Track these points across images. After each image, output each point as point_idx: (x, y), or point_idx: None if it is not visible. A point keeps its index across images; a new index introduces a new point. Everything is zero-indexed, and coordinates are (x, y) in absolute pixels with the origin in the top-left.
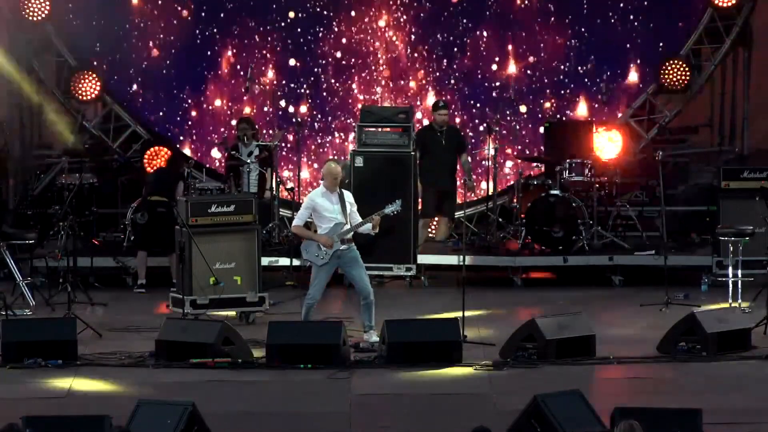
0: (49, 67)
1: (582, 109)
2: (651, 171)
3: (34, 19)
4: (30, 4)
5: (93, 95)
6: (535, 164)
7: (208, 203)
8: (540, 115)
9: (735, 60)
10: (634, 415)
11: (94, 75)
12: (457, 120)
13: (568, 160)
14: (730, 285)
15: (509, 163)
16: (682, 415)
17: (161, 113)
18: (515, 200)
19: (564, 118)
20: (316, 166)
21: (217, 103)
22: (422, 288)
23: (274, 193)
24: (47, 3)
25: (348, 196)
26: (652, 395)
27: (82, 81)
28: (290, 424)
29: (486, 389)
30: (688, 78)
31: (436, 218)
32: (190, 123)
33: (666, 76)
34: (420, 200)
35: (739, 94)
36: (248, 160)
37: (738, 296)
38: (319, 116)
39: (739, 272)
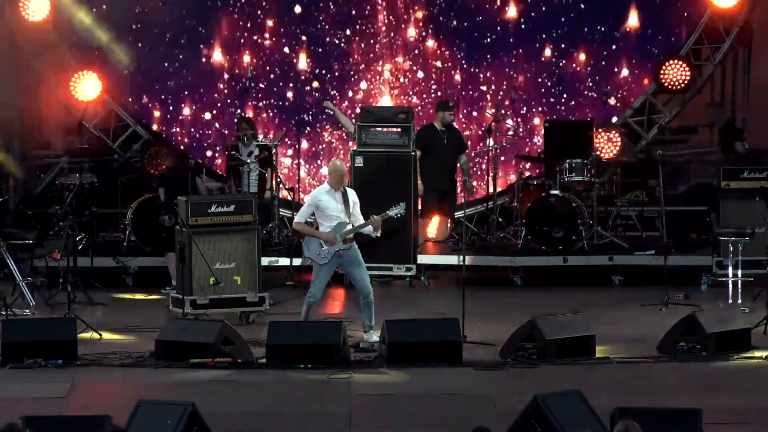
0: (49, 67)
1: (581, 57)
2: (651, 171)
3: (34, 19)
4: (30, 4)
5: (93, 95)
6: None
7: (208, 203)
8: (540, 65)
9: (735, 60)
10: (634, 415)
11: (94, 75)
12: (457, 77)
13: (568, 160)
14: (730, 285)
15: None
16: (682, 415)
17: (162, 67)
18: (515, 200)
19: (565, 118)
20: (309, 127)
21: (217, 57)
22: (422, 288)
23: (274, 193)
24: (47, 3)
25: (352, 194)
26: (652, 395)
27: (82, 81)
28: (290, 424)
29: (486, 389)
30: (688, 78)
31: (436, 218)
32: (188, 78)
33: (666, 76)
34: (420, 200)
35: (739, 94)
36: (248, 160)
37: (738, 296)
38: (321, 69)
39: (739, 272)
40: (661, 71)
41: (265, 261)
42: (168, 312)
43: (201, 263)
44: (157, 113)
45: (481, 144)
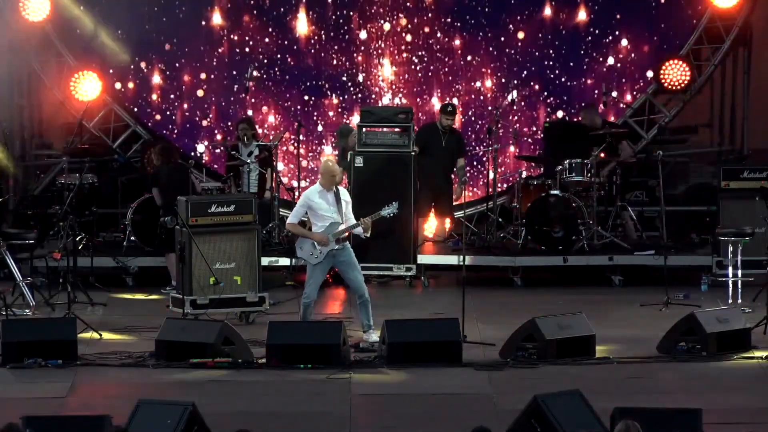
0: (49, 67)
1: (582, 15)
2: (651, 171)
3: (34, 19)
4: (30, 4)
5: (93, 95)
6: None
7: (208, 203)
8: (540, 26)
9: (735, 60)
10: (634, 415)
11: (94, 75)
12: (457, 42)
13: (568, 160)
14: (730, 285)
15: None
16: (682, 415)
17: (160, 30)
18: (515, 200)
19: (566, 117)
20: (309, 97)
21: (216, 20)
22: (422, 288)
23: (274, 193)
24: (47, 3)
25: (344, 194)
26: (652, 395)
27: (82, 81)
28: (290, 424)
29: (486, 389)
30: (688, 78)
31: (434, 218)
32: (186, 48)
33: (666, 76)
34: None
35: (739, 94)
36: (248, 160)
37: (738, 296)
38: (322, 33)
39: (739, 272)
40: (661, 71)
41: (265, 261)
42: (168, 312)
43: (201, 263)
44: (157, 78)
45: (482, 126)
